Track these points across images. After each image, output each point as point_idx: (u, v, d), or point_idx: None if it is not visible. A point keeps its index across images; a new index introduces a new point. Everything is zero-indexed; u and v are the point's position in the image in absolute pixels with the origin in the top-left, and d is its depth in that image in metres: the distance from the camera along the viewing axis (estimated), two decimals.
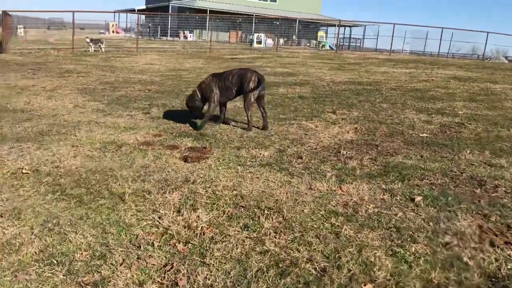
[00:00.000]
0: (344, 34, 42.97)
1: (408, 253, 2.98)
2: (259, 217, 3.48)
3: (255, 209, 3.62)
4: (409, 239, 3.18)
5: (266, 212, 3.55)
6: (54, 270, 2.73)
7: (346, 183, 4.27)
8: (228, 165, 4.73)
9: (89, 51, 20.06)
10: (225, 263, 2.83)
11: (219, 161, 4.85)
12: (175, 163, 4.76)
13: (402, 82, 12.07)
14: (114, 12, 41.36)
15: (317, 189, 4.10)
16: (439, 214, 3.60)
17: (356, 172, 4.61)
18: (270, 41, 33.64)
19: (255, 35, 32.71)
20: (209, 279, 2.65)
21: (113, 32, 35.92)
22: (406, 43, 35.82)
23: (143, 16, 40.58)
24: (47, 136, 5.71)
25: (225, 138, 5.77)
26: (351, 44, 41.92)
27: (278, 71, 13.95)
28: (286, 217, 3.48)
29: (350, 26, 42.98)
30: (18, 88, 9.40)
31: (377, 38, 37.62)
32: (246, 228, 3.30)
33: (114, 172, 4.43)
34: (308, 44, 39.36)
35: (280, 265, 2.81)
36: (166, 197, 3.82)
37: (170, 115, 7.11)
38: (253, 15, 35.62)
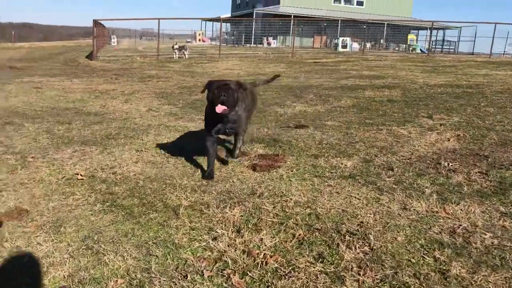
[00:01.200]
0: (436, 36, 40.25)
1: None
2: (338, 244, 2.74)
3: (333, 234, 2.88)
4: None
5: (347, 238, 2.80)
6: None
7: (451, 203, 3.37)
8: (302, 176, 4.03)
9: (173, 57, 20.40)
10: None
11: (292, 171, 4.16)
12: (242, 172, 4.15)
13: (510, 85, 10.54)
14: (201, 19, 42.44)
15: (414, 209, 3.26)
16: None
17: (462, 189, 3.68)
18: (356, 45, 32.34)
19: (340, 39, 31.60)
20: None
21: (199, 40, 36.78)
22: (509, 44, 32.58)
23: (228, 24, 41.20)
24: (113, 139, 5.40)
25: (301, 144, 5.06)
26: (444, 47, 39.15)
27: (364, 73, 12.97)
28: (374, 247, 2.70)
29: (443, 28, 40.20)
30: (97, 92, 9.45)
31: (474, 40, 34.64)
32: (321, 259, 2.58)
33: (174, 180, 3.92)
34: (397, 48, 37.41)
35: None
36: (226, 212, 3.21)
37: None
38: (338, 19, 34.55)
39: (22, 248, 2.74)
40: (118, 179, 4.00)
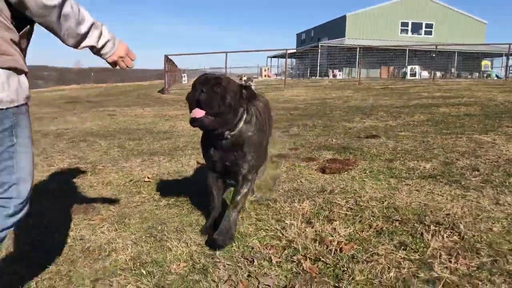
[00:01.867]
0: None
1: None
2: (422, 234, 2.42)
3: (415, 224, 2.57)
4: None
5: (432, 228, 2.47)
6: (139, 283, 2.08)
7: None
8: (377, 177, 3.73)
9: None
10: None
11: (365, 172, 3.87)
12: (310, 174, 3.93)
13: None
14: (266, 50, 43.28)
15: (509, 204, 2.86)
16: None
17: None
18: (425, 73, 31.28)
19: (409, 67, 30.73)
20: None
21: (265, 76, 37.41)
22: None
23: (293, 60, 41.66)
24: (180, 151, 5.41)
25: (374, 151, 4.75)
26: None
27: (437, 95, 12.33)
28: (465, 236, 2.36)
29: None
30: (167, 117, 9.70)
31: None
32: (403, 247, 2.28)
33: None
34: (469, 76, 35.71)
35: None
36: (295, 206, 2.99)
37: (310, 132, 6.36)
38: (405, 48, 33.78)
39: (86, 237, 2.69)
40: (185, 181, 3.93)
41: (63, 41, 1.55)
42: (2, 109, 1.41)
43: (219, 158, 2.50)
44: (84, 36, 1.58)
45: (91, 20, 1.59)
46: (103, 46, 1.66)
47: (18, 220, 1.58)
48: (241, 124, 2.42)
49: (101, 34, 1.64)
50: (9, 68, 1.41)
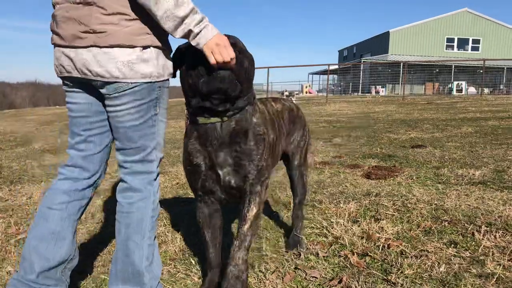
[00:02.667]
0: None
1: None
2: (472, 233, 2.37)
3: (466, 224, 2.52)
4: None
5: (484, 228, 2.42)
6: (188, 271, 2.15)
7: None
8: (424, 182, 3.67)
9: None
10: (421, 284, 1.84)
11: (411, 178, 3.82)
12: (355, 179, 3.91)
13: None
14: (309, 66, 43.40)
15: None
16: None
17: None
18: (472, 89, 30.38)
19: (455, 83, 29.95)
20: None
21: (306, 93, 37.44)
22: None
23: (335, 76, 41.49)
24: None
25: (420, 159, 4.68)
26: None
27: (485, 109, 11.95)
28: None
29: None
30: None
31: None
32: (453, 245, 2.24)
33: (282, 185, 3.80)
34: None
35: None
36: (341, 206, 2.99)
37: (355, 142, 6.32)
38: (451, 64, 32.96)
39: None
40: None
41: (163, 26, 1.52)
42: (152, 82, 1.59)
43: (214, 163, 1.78)
44: (183, 19, 1.49)
45: (192, 5, 1.51)
46: (200, 31, 1.52)
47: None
48: (247, 108, 1.79)
49: (201, 20, 1.52)
50: (158, 47, 1.59)
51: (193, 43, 1.53)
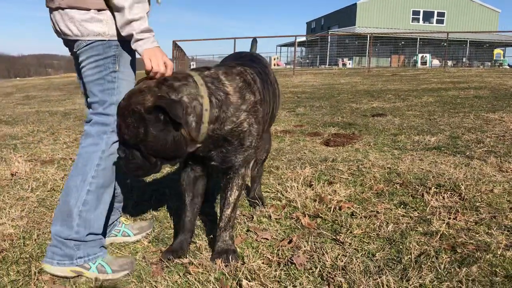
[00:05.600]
0: None
1: None
2: (422, 194, 2.42)
3: (417, 186, 2.56)
4: None
5: (433, 190, 2.47)
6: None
7: None
8: (381, 148, 3.72)
9: None
10: (368, 243, 1.87)
11: (369, 145, 3.86)
12: (314, 147, 3.92)
13: None
14: (276, 36, 43.14)
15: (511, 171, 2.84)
16: None
17: None
18: (436, 62, 30.97)
19: (419, 55, 30.44)
20: (341, 260, 1.72)
21: (274, 65, 37.34)
22: None
23: (303, 49, 41.42)
24: None
25: (379, 126, 4.73)
26: None
27: (446, 80, 12.20)
28: (466, 197, 2.35)
29: None
30: None
31: None
32: (402, 206, 2.28)
33: None
34: (481, 66, 35.28)
35: (459, 251, 1.73)
36: (297, 172, 3.00)
37: (317, 112, 6.33)
38: (416, 37, 33.40)
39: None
40: None
41: (114, 15, 1.66)
42: (105, 40, 1.69)
43: (200, 157, 1.80)
44: (131, 21, 1.62)
45: (143, 14, 1.65)
46: (142, 39, 1.64)
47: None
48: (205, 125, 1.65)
49: (147, 31, 1.64)
50: (111, 8, 1.66)
51: (133, 47, 1.67)
